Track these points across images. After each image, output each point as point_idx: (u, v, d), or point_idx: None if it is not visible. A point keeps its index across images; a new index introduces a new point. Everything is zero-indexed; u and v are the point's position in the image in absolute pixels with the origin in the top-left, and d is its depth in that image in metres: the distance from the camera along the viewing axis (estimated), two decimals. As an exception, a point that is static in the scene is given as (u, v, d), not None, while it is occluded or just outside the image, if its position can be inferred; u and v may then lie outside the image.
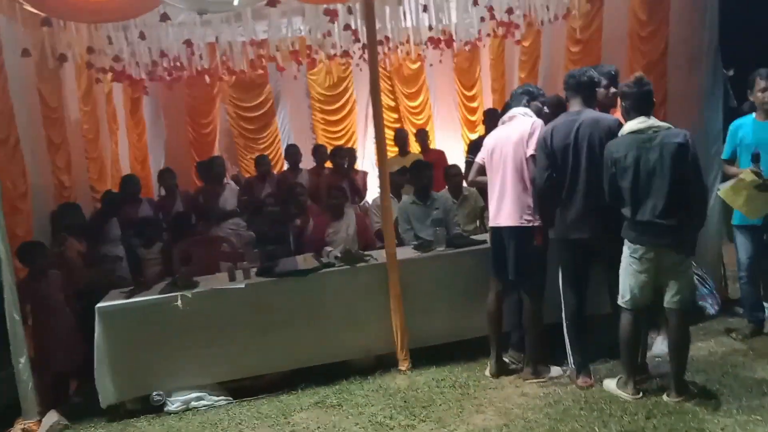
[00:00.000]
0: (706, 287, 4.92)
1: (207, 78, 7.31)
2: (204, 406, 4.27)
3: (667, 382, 3.70)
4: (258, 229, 5.89)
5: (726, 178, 4.49)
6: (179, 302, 4.21)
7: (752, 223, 4.38)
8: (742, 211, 4.32)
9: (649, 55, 5.00)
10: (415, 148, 7.58)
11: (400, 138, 7.53)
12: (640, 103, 3.62)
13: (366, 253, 4.80)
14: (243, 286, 4.38)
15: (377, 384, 4.31)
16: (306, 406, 4.11)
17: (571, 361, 4.05)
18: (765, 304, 4.77)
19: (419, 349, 4.53)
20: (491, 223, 4.23)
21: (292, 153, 7.22)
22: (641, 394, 3.69)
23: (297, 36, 6.40)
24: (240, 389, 4.38)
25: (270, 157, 8.60)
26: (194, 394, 4.28)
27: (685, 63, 4.93)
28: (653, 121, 3.58)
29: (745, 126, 4.47)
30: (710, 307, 4.89)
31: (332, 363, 4.47)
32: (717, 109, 4.96)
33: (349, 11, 5.09)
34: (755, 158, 4.20)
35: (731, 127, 4.58)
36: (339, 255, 4.79)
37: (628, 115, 3.68)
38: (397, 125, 9.67)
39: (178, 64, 6.48)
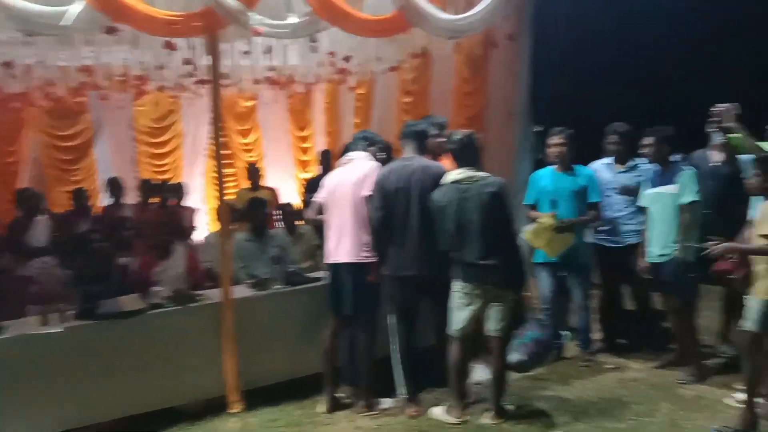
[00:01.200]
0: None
1: (17, 103, 6.68)
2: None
3: (488, 406, 4.03)
4: (77, 268, 5.43)
5: (529, 221, 5.08)
6: None
7: (551, 260, 4.97)
8: (544, 250, 4.90)
9: (471, 110, 5.55)
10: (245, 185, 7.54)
11: (254, 173, 7.45)
12: (459, 155, 4.03)
13: (198, 292, 4.66)
14: (60, 329, 4.01)
15: (208, 429, 4.15)
16: (131, 457, 3.85)
17: (402, 392, 4.25)
18: (564, 333, 5.42)
19: (253, 389, 4.45)
20: (330, 260, 4.34)
21: (116, 186, 6.81)
22: (466, 418, 3.99)
23: (126, 65, 6.12)
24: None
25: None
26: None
27: (501, 119, 5.54)
28: (471, 172, 3.97)
29: (545, 176, 5.09)
30: (519, 355, 4.60)
31: (160, 409, 4.22)
32: (527, 161, 5.61)
33: (189, 45, 5.01)
34: (553, 205, 4.82)
35: (533, 176, 5.20)
36: (168, 295, 4.59)
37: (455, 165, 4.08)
38: (229, 161, 9.53)
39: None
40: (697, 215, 4.45)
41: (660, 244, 4.62)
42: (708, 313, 5.15)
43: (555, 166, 5.04)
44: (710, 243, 3.75)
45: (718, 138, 4.56)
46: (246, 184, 7.54)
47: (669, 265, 4.56)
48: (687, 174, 4.54)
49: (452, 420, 3.97)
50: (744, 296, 3.84)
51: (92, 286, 4.91)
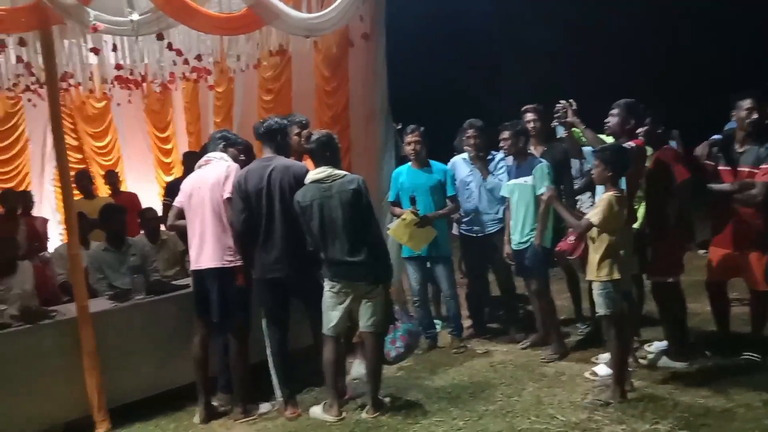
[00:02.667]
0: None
1: None
2: None
3: (365, 401, 4.08)
4: None
5: (393, 218, 5.20)
6: None
7: (417, 254, 5.12)
8: (409, 245, 5.03)
9: (334, 108, 5.57)
10: (104, 190, 7.06)
11: (83, 179, 6.91)
12: (318, 154, 4.04)
13: (50, 308, 4.31)
14: None
15: (72, 454, 3.88)
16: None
17: (279, 394, 4.20)
18: (436, 321, 5.60)
19: (120, 406, 4.19)
20: (193, 266, 4.19)
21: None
22: (344, 415, 4.01)
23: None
24: None
25: None
26: None
27: (364, 117, 5.61)
28: (331, 171, 3.99)
29: (403, 173, 5.23)
30: (394, 350, 4.58)
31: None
32: (390, 158, 5.72)
33: (21, 43, 4.60)
34: (412, 201, 4.96)
35: (393, 174, 5.32)
36: (16, 313, 4.21)
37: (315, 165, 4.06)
38: (82, 166, 8.88)
39: None
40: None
41: (520, 232, 4.90)
42: (566, 295, 5.54)
43: (411, 163, 5.19)
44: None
45: (561, 131, 4.91)
46: (103, 190, 7.04)
47: (528, 251, 4.85)
48: (540, 167, 4.84)
49: (330, 418, 3.97)
50: (584, 277, 4.16)
51: None
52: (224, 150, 4.33)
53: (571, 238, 4.25)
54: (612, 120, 4.45)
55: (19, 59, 5.03)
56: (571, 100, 4.62)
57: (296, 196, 4.00)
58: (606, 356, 4.38)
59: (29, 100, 6.92)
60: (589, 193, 5.32)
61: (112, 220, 5.16)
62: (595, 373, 4.38)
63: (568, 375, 4.48)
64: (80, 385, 4.04)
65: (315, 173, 4.00)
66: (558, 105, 4.64)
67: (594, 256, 3.98)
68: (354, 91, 5.63)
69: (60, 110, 4.22)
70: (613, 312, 3.96)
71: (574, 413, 3.83)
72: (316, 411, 4.07)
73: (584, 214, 4.22)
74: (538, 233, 4.76)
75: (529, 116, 5.14)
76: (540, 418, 3.81)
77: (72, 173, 7.28)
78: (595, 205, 4.04)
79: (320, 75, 5.67)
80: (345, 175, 4.01)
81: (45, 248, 6.49)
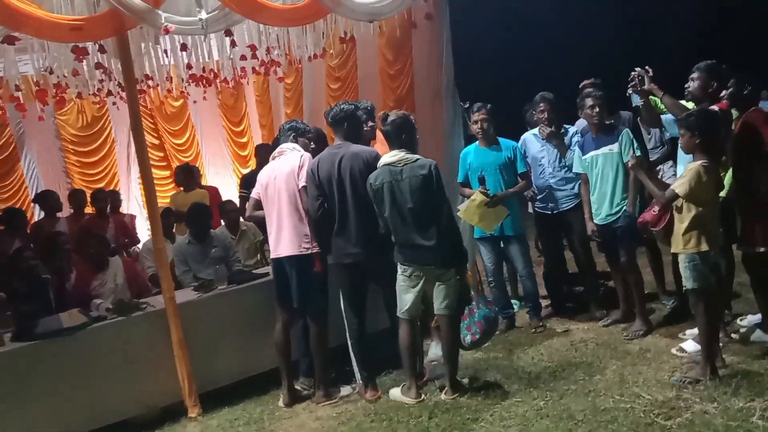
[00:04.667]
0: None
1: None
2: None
3: (444, 383, 4.09)
4: (9, 288, 5.22)
5: (463, 199, 5.13)
6: None
7: (490, 234, 5.04)
8: (480, 226, 4.97)
9: (397, 91, 5.56)
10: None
11: (180, 174, 7.17)
12: (393, 137, 4.04)
13: (141, 300, 4.55)
14: (-4, 353, 3.86)
15: (166, 437, 4.09)
16: (87, 476, 3.75)
17: (359, 377, 4.28)
18: (514, 301, 5.53)
19: (209, 392, 4.39)
20: (272, 255, 4.31)
21: (50, 199, 6.56)
22: (423, 397, 4.03)
23: (41, 74, 5.87)
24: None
25: (17, 206, 7.72)
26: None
27: (429, 98, 5.57)
28: (404, 154, 3.98)
29: (471, 153, 5.15)
30: (470, 335, 4.34)
31: (114, 423, 4.12)
32: (459, 138, 5.66)
33: (101, 50, 4.84)
34: (481, 180, 4.88)
35: (461, 154, 5.25)
36: (110, 306, 4.46)
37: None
38: (163, 164, 9.33)
39: None
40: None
41: (609, 203, 4.72)
42: (648, 269, 5.32)
43: (478, 142, 5.10)
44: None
45: (636, 100, 4.70)
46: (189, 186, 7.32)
47: (620, 221, 4.66)
48: (626, 132, 4.66)
49: (410, 400, 4.01)
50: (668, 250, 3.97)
51: (28, 306, 4.74)
52: (295, 140, 4.41)
53: (655, 209, 4.06)
54: (692, 84, 4.23)
55: (98, 65, 5.28)
56: (647, 67, 4.40)
57: (369, 179, 4.02)
58: (693, 332, 4.20)
59: (114, 104, 7.28)
60: (670, 163, 5.08)
61: (197, 221, 5.38)
62: (682, 350, 4.21)
63: (654, 352, 4.32)
64: (172, 372, 4.25)
65: (388, 156, 4.01)
66: (633, 72, 4.42)
67: (680, 227, 3.80)
68: (418, 72, 5.59)
69: (139, 111, 4.42)
70: (701, 285, 3.78)
71: (661, 391, 3.69)
72: (396, 393, 4.12)
73: (668, 184, 4.02)
74: (631, 201, 4.59)
75: (589, 92, 4.94)
76: (624, 396, 3.70)
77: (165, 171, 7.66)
78: (682, 175, 3.84)
79: (384, 59, 5.67)
80: (417, 159, 3.99)
81: (134, 243, 6.87)
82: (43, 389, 3.93)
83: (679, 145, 4.02)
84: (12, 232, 6.14)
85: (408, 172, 3.92)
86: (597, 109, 4.71)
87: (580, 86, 5.05)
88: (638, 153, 4.50)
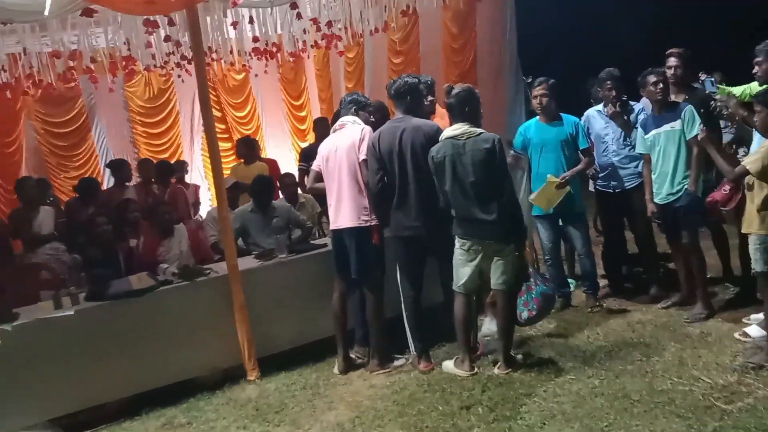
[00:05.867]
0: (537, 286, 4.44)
1: (8, 93, 6.68)
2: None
3: (497, 357, 4.11)
4: (84, 252, 5.51)
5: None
6: None
7: (549, 212, 4.99)
8: (542, 206, 4.92)
9: (460, 66, 5.52)
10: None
11: (242, 147, 7.31)
12: (457, 110, 4.02)
13: (205, 267, 4.72)
14: (72, 313, 4.09)
15: (227, 397, 4.26)
16: (152, 430, 3.95)
17: (413, 348, 4.34)
18: (570, 280, 5.47)
19: (267, 356, 4.54)
20: (332, 226, 4.38)
21: (120, 168, 6.84)
22: (476, 370, 4.07)
23: (112, 47, 6.09)
24: (75, 425, 4.06)
25: (88, 174, 8.10)
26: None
27: (492, 73, 5.52)
28: (468, 127, 3.96)
29: (531, 127, 5.07)
30: (526, 311, 4.38)
31: (177, 382, 4.32)
32: (521, 113, 5.58)
33: (170, 23, 4.97)
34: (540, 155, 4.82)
35: (520, 127, 5.17)
36: (176, 271, 4.65)
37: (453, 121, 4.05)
38: (225, 136, 9.55)
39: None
40: (703, 147, 4.34)
41: (670, 181, 4.60)
42: (712, 252, 5.17)
43: (538, 117, 5.03)
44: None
45: (709, 86, 4.56)
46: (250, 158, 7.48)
47: (682, 200, 4.55)
48: (689, 109, 4.52)
49: (462, 373, 4.05)
50: (738, 230, 3.85)
51: (101, 269, 4.99)
52: (356, 113, 4.43)
53: (726, 188, 3.93)
54: (759, 68, 4.06)
55: (166, 38, 5.42)
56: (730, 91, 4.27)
57: (431, 151, 4.02)
58: (759, 317, 4.07)
59: (179, 77, 7.48)
60: (744, 149, 4.89)
61: (261, 192, 5.48)
62: (746, 334, 4.10)
63: (715, 336, 4.22)
64: (233, 336, 4.41)
65: (451, 129, 4.00)
66: (713, 103, 4.28)
67: (751, 207, 3.67)
68: (481, 46, 5.55)
69: (207, 84, 4.54)
70: None
71: (722, 375, 3.62)
72: (449, 365, 4.17)
73: (739, 161, 3.88)
74: (693, 179, 4.46)
75: (672, 61, 4.79)
76: (683, 379, 3.64)
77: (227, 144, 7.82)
78: (755, 152, 3.70)
79: (448, 32, 5.63)
80: (481, 133, 3.96)
81: (198, 212, 7.10)
82: (114, 347, 4.15)
83: (755, 124, 3.87)
84: (87, 200, 6.44)
85: (471, 146, 3.91)
86: (661, 86, 4.57)
87: (667, 53, 4.85)
88: (703, 126, 4.35)
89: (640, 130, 4.80)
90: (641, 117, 4.96)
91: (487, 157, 3.88)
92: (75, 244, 5.75)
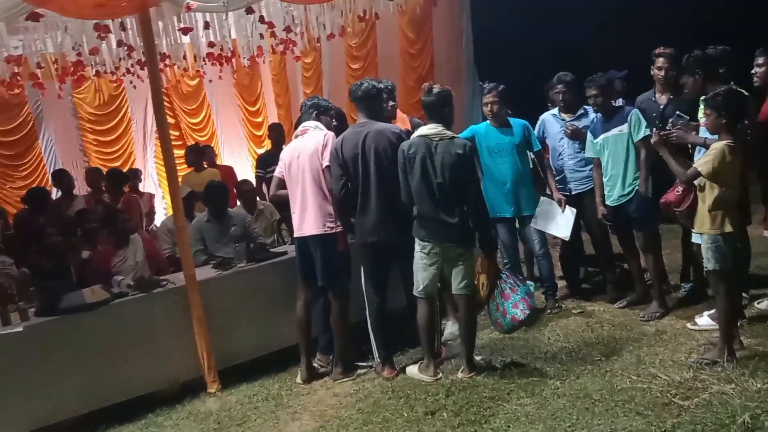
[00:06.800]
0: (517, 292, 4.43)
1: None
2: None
3: (460, 362, 4.12)
4: (34, 265, 5.30)
5: None
6: None
7: (506, 215, 5.04)
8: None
9: (418, 70, 5.55)
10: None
11: (191, 154, 7.19)
12: (434, 109, 4.03)
13: (161, 278, 4.60)
14: (20, 329, 3.92)
15: (187, 411, 4.15)
16: (109, 448, 3.84)
17: (377, 355, 4.32)
18: (529, 282, 5.51)
19: (228, 367, 4.46)
20: (296, 233, 4.32)
21: (64, 178, 6.62)
22: (440, 375, 4.07)
23: (61, 52, 5.90)
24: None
25: (35, 184, 7.83)
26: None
27: (450, 77, 5.56)
28: (442, 129, 3.97)
29: (481, 131, 5.07)
30: (520, 312, 4.35)
31: (135, 397, 4.19)
32: (478, 117, 5.63)
33: (122, 27, 4.85)
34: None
35: (470, 129, 5.17)
36: (131, 283, 4.52)
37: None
38: (179, 143, 9.36)
39: None
40: (651, 149, 4.44)
41: (621, 184, 4.72)
42: (667, 251, 5.32)
43: (489, 122, 5.08)
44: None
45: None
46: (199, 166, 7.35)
47: (634, 202, 4.67)
48: (635, 113, 4.65)
49: (427, 378, 4.05)
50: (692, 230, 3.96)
51: (51, 282, 4.81)
52: (317, 118, 4.38)
53: (679, 189, 4.04)
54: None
55: (119, 43, 5.29)
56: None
57: (402, 145, 4.00)
58: (711, 314, 4.20)
59: (130, 83, 7.31)
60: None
61: (215, 199, 5.39)
62: (695, 323, 4.25)
63: (671, 333, 4.33)
64: (192, 348, 4.31)
65: (426, 128, 4.00)
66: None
67: (703, 208, 3.78)
68: (438, 51, 5.59)
69: (161, 90, 4.44)
70: (722, 267, 3.76)
71: (678, 372, 3.71)
72: (413, 371, 4.16)
73: (691, 163, 3.99)
74: (643, 180, 4.59)
75: (661, 62, 4.80)
76: (641, 377, 3.72)
77: (181, 151, 7.72)
78: (706, 154, 3.80)
79: (405, 38, 5.66)
80: (454, 137, 3.98)
81: (153, 221, 6.94)
82: (66, 363, 4.00)
83: (703, 125, 3.98)
84: (36, 211, 6.22)
85: (443, 148, 3.91)
86: (600, 99, 4.73)
87: (655, 54, 4.89)
88: (647, 131, 4.47)
89: (589, 134, 4.91)
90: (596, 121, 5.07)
91: (458, 161, 3.89)
92: (24, 257, 5.53)
